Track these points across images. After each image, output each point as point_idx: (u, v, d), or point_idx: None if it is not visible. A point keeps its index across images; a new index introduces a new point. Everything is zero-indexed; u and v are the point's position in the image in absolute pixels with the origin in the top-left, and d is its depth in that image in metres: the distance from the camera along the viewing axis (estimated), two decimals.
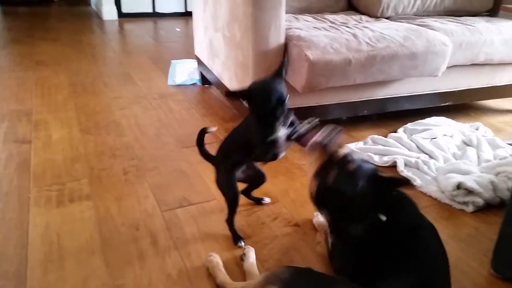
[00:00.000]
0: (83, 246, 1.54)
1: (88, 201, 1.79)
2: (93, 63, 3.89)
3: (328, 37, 2.06)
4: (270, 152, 1.37)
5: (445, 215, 1.80)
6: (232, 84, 2.42)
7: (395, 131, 2.49)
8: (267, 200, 1.83)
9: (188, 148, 2.29)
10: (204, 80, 3.24)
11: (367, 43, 2.07)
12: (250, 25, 1.98)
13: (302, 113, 2.05)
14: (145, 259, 1.48)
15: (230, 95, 1.35)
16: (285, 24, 2.05)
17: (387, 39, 2.11)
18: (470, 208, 1.82)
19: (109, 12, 5.70)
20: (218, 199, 1.84)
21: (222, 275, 1.36)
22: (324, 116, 2.18)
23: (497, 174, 1.96)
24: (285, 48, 2.09)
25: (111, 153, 2.21)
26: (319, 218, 1.68)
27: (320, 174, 1.23)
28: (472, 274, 1.48)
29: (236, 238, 1.59)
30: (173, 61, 3.77)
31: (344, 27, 2.23)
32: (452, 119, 2.69)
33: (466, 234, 1.72)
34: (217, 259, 1.43)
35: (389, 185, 1.20)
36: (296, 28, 2.15)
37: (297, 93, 2.10)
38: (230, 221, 1.60)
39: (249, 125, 1.42)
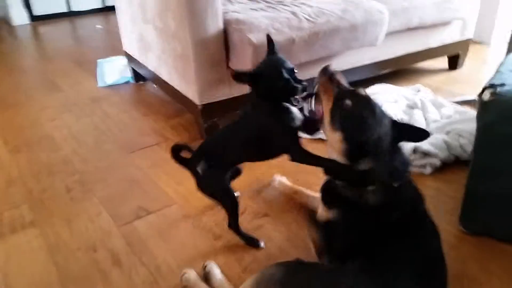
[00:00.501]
0: (37, 281, 1.37)
1: (33, 229, 1.60)
2: (9, 74, 3.51)
3: (268, 18, 1.98)
4: (297, 137, 1.28)
5: None
6: (172, 78, 2.27)
7: None
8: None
9: (134, 153, 2.13)
10: (137, 76, 3.03)
11: (307, 19, 2.01)
12: (185, 13, 1.84)
13: (239, 101, 2.00)
14: (111, 282, 1.35)
15: (237, 77, 1.24)
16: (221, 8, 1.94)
17: (326, 13, 2.07)
18: (428, 170, 1.85)
19: (18, 16, 5.18)
20: (179, 203, 1.72)
21: None
22: None
23: (447, 133, 2.01)
24: (225, 33, 1.98)
25: (48, 170, 1.99)
26: (281, 179, 1.76)
27: (337, 105, 1.17)
28: (441, 233, 1.49)
29: (251, 241, 1.45)
30: (99, 61, 3.50)
31: (281, 6, 2.16)
32: (393, 84, 2.75)
33: (429, 196, 1.70)
34: (192, 275, 1.30)
35: (404, 130, 1.16)
36: (233, 12, 2.04)
37: None
38: (235, 226, 1.45)
39: (257, 118, 1.31)
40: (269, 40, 1.31)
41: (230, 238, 1.51)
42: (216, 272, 1.31)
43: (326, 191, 1.36)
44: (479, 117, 1.33)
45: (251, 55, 1.89)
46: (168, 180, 1.88)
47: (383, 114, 1.17)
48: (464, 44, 3.02)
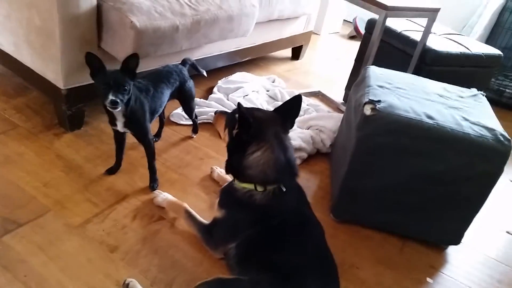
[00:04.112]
0: None
1: None
2: None
3: None
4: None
5: None
6: (21, 52, 1.88)
7: (210, 91, 2.51)
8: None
9: None
10: None
11: (189, 6, 1.92)
12: None
13: None
14: None
15: (88, 60, 1.44)
16: None
17: (206, 1, 2.01)
18: (298, 162, 2.06)
19: None
20: (54, 210, 1.50)
21: None
22: None
23: (309, 128, 2.26)
24: (98, 11, 1.73)
25: None
26: (219, 171, 1.83)
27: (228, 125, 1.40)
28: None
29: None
30: None
31: None
32: (248, 71, 2.88)
33: (302, 186, 1.93)
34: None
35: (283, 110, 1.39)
36: None
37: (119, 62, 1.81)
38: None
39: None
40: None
41: (127, 249, 1.41)
42: None
43: (224, 192, 1.44)
44: (360, 128, 1.55)
45: (133, 40, 1.72)
46: (32, 181, 1.60)
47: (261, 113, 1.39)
48: (307, 36, 3.36)
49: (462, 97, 1.81)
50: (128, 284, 1.24)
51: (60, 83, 1.79)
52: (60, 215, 1.48)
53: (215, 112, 1.58)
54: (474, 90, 1.89)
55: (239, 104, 1.29)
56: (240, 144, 1.32)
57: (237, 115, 1.29)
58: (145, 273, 1.34)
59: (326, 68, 3.53)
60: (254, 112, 1.39)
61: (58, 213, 1.49)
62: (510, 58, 3.51)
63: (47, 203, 1.52)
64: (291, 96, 1.41)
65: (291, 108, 1.40)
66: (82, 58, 1.70)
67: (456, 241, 1.69)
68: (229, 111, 1.50)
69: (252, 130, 1.29)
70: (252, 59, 2.98)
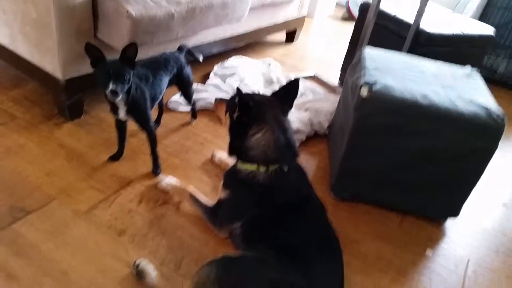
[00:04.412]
0: None
1: None
2: None
3: None
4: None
5: None
6: (18, 44, 1.88)
7: (207, 77, 2.52)
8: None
9: None
10: None
11: None
12: None
13: None
14: None
15: (87, 50, 1.44)
16: None
17: None
18: (297, 144, 2.09)
19: None
20: (59, 198, 1.52)
21: None
22: None
23: (306, 110, 2.29)
24: (94, 1, 1.74)
25: None
26: (220, 155, 1.85)
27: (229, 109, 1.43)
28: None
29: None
30: None
31: None
32: (244, 56, 2.90)
33: None
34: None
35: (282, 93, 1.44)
36: None
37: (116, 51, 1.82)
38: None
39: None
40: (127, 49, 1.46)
41: (135, 232, 1.44)
42: (150, 270, 1.26)
43: (227, 174, 1.48)
44: (357, 109, 1.58)
45: (129, 29, 1.73)
46: (35, 171, 1.63)
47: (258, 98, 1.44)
48: (301, 20, 3.37)
49: (456, 75, 1.84)
50: (138, 265, 1.27)
51: (58, 74, 1.80)
52: (66, 202, 1.51)
53: (215, 100, 1.63)
54: (468, 68, 1.92)
55: (238, 88, 1.33)
56: (241, 127, 1.37)
57: (237, 99, 1.33)
58: (153, 254, 1.37)
59: (321, 51, 3.55)
60: (254, 96, 1.45)
61: (63, 201, 1.52)
62: (503, 36, 3.54)
63: (52, 191, 1.55)
64: (288, 80, 1.45)
65: (288, 92, 1.44)
66: (79, 49, 1.72)
67: (454, 214, 1.74)
68: (228, 98, 1.53)
69: (252, 113, 1.33)
70: (247, 44, 2.99)
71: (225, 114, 1.48)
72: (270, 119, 1.36)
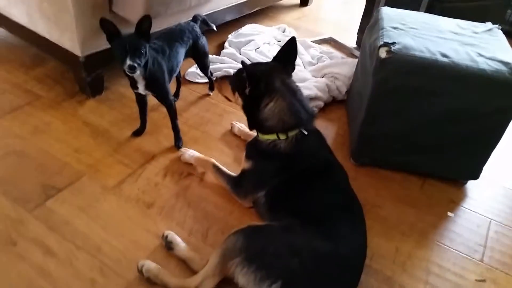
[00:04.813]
0: None
1: None
2: None
3: None
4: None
5: None
6: (35, 22, 1.90)
7: (222, 47, 2.51)
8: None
9: (4, 119, 1.79)
10: None
11: None
12: None
13: None
14: (51, 274, 1.22)
15: (102, 25, 1.45)
16: None
17: None
18: (315, 111, 2.09)
19: None
20: (89, 174, 1.58)
21: (173, 279, 1.21)
22: None
23: (323, 76, 2.26)
24: None
25: None
26: (239, 126, 1.88)
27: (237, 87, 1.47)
28: None
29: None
30: None
31: None
32: (258, 23, 2.86)
33: None
34: (152, 264, 1.24)
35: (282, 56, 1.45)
36: None
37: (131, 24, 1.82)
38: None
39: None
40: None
41: (163, 204, 1.50)
42: (179, 241, 1.32)
43: (249, 146, 1.51)
44: (376, 72, 1.56)
45: (143, 1, 1.71)
46: (63, 148, 1.68)
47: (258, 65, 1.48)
48: None
49: (476, 32, 1.79)
50: (167, 236, 1.33)
51: (77, 51, 1.82)
52: (95, 178, 1.57)
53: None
54: (489, 24, 1.86)
55: (243, 62, 1.33)
56: (254, 101, 1.40)
57: (244, 74, 1.35)
58: (181, 224, 1.43)
59: (337, 13, 3.47)
60: (258, 67, 1.46)
61: (92, 176, 1.57)
62: None
63: (81, 168, 1.60)
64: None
65: (288, 53, 1.46)
66: (96, 24, 1.71)
67: (475, 176, 1.74)
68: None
69: (261, 84, 1.35)
70: (261, 9, 2.94)
71: (233, 93, 1.50)
72: (279, 86, 1.38)
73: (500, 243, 1.53)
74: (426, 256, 1.45)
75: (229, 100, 1.59)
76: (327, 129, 2.02)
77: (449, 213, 1.63)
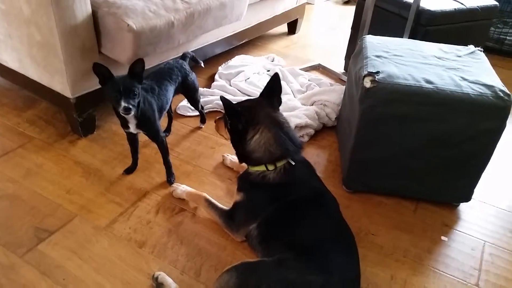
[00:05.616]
0: None
1: None
2: None
3: None
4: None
5: None
6: (26, 67, 1.94)
7: (212, 79, 2.55)
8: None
9: None
10: None
11: (181, 0, 1.95)
12: None
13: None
14: None
15: (95, 70, 1.46)
16: None
17: None
18: (306, 139, 2.11)
19: None
20: (80, 214, 1.58)
21: None
22: None
23: (313, 103, 2.29)
24: (94, 18, 1.77)
25: None
26: (231, 157, 1.89)
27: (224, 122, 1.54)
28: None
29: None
30: None
31: None
32: (248, 53, 2.91)
33: (312, 162, 1.98)
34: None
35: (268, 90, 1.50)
36: None
37: (121, 65, 1.86)
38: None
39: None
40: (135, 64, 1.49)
41: (155, 242, 1.49)
42: (170, 282, 1.31)
43: (240, 178, 1.52)
44: (362, 101, 1.59)
45: (132, 42, 1.76)
46: (55, 189, 1.69)
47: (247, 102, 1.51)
48: (301, 9, 3.35)
49: (459, 56, 1.83)
50: (157, 278, 1.32)
51: (68, 93, 1.85)
52: (87, 218, 1.57)
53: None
54: (471, 47, 1.90)
55: (221, 97, 1.37)
56: (239, 134, 1.43)
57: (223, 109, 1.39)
58: (174, 263, 1.42)
59: (324, 39, 3.53)
60: (241, 102, 1.50)
61: (84, 217, 1.58)
62: (510, 2, 3.44)
63: (73, 209, 1.61)
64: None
65: (272, 87, 1.50)
66: (85, 66, 1.76)
67: (467, 198, 1.74)
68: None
69: (243, 118, 1.39)
70: (250, 40, 3.00)
71: (224, 129, 1.55)
72: (263, 118, 1.41)
73: (495, 265, 1.52)
74: (422, 283, 1.44)
75: (226, 139, 1.62)
76: (319, 156, 2.04)
77: (442, 237, 1.62)
